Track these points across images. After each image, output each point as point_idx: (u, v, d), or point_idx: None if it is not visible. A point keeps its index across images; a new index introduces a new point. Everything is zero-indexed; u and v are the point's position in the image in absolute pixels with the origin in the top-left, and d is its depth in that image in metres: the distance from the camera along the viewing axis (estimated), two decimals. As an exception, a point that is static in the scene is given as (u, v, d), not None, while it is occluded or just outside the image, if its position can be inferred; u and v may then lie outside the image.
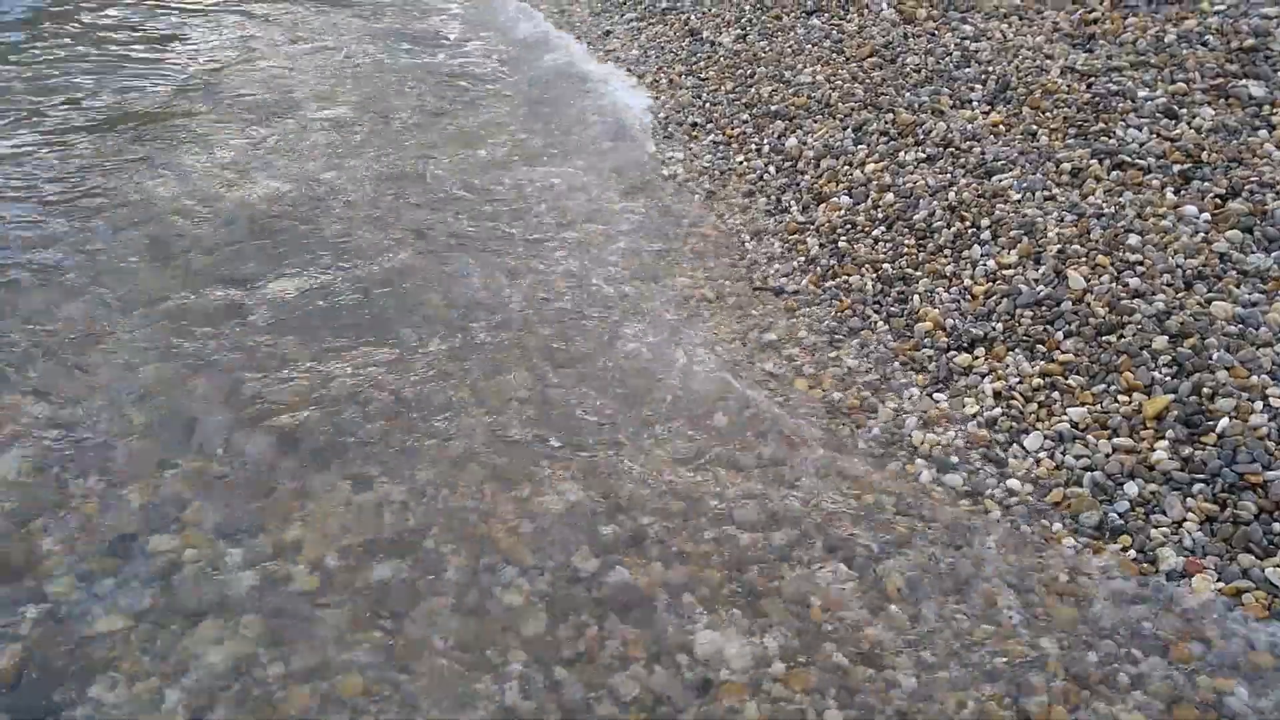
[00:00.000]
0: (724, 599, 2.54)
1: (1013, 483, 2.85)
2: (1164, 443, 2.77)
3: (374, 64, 6.23)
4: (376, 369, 3.34)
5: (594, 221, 4.38)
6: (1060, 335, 3.18)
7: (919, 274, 3.66)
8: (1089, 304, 3.22)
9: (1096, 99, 4.11)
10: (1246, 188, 3.44)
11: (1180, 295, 3.14)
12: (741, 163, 4.77)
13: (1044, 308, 3.28)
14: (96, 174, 4.47)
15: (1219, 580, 2.45)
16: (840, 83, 5.00)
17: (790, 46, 5.58)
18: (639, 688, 2.32)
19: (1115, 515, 2.67)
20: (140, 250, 3.92)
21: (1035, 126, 4.11)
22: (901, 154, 4.27)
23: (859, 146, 4.45)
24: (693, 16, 6.55)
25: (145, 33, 6.49)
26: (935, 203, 3.88)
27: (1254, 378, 2.83)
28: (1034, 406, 3.04)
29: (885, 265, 3.77)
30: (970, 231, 3.70)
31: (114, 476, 2.88)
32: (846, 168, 4.36)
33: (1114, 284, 3.25)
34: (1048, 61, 4.49)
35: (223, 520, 2.77)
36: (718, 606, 2.51)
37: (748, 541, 2.71)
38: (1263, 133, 3.68)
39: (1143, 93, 4.07)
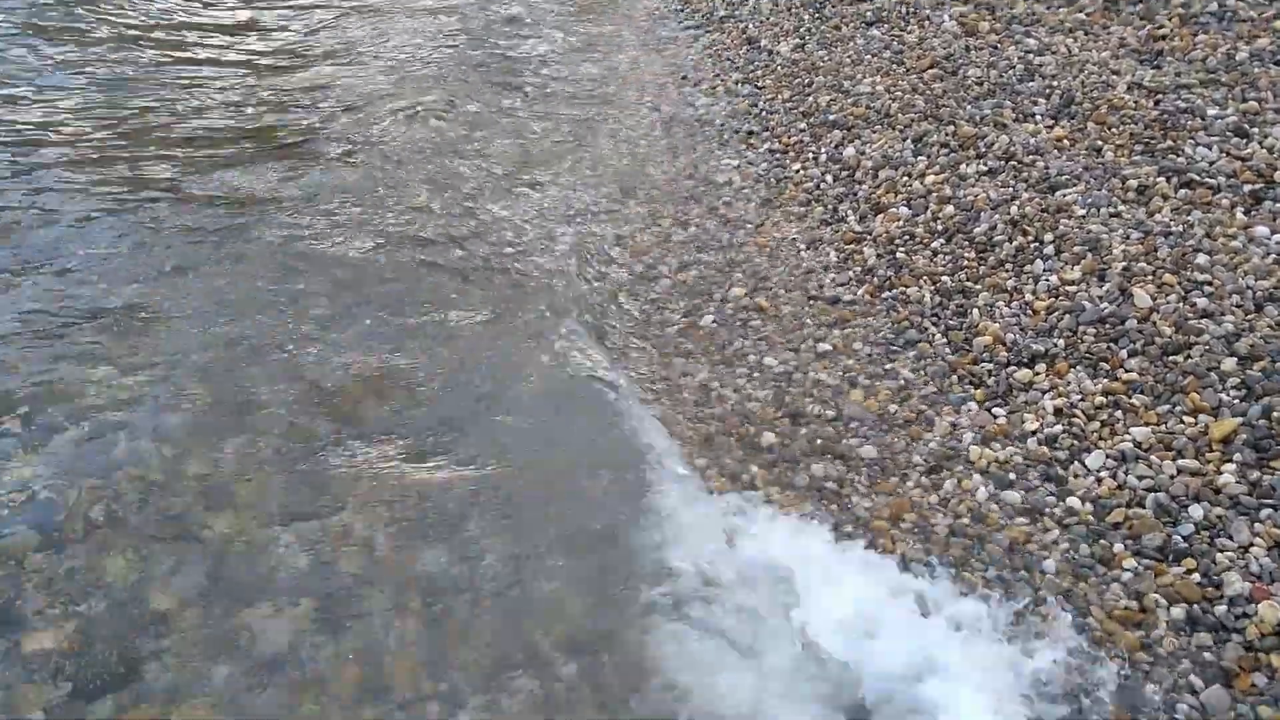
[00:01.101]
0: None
1: (1073, 501, 2.81)
2: (1231, 466, 2.71)
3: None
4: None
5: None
6: (1124, 354, 3.13)
7: (979, 287, 3.62)
8: (1155, 323, 3.16)
9: (1164, 116, 4.04)
10: (1321, 210, 3.37)
11: (1250, 317, 3.08)
12: (798, 171, 4.76)
13: (1108, 325, 3.23)
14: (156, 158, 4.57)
15: (1287, 608, 2.39)
16: (900, 94, 4.97)
17: (849, 57, 5.56)
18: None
19: (1179, 538, 2.62)
20: (202, 236, 4.00)
21: (1101, 142, 4.05)
22: (962, 166, 4.23)
23: (919, 158, 4.42)
24: (751, 25, 6.55)
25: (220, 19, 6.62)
26: (997, 216, 3.84)
27: (1327, 403, 2.77)
28: (1096, 425, 2.99)
29: (944, 278, 3.73)
30: (1032, 246, 3.66)
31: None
32: (905, 179, 4.33)
33: (1181, 304, 3.19)
34: (1114, 77, 4.43)
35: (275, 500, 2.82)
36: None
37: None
38: (1338, 154, 3.60)
39: (1212, 111, 4.00)
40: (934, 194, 4.15)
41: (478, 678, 2.38)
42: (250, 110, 5.25)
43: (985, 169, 4.16)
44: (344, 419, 3.13)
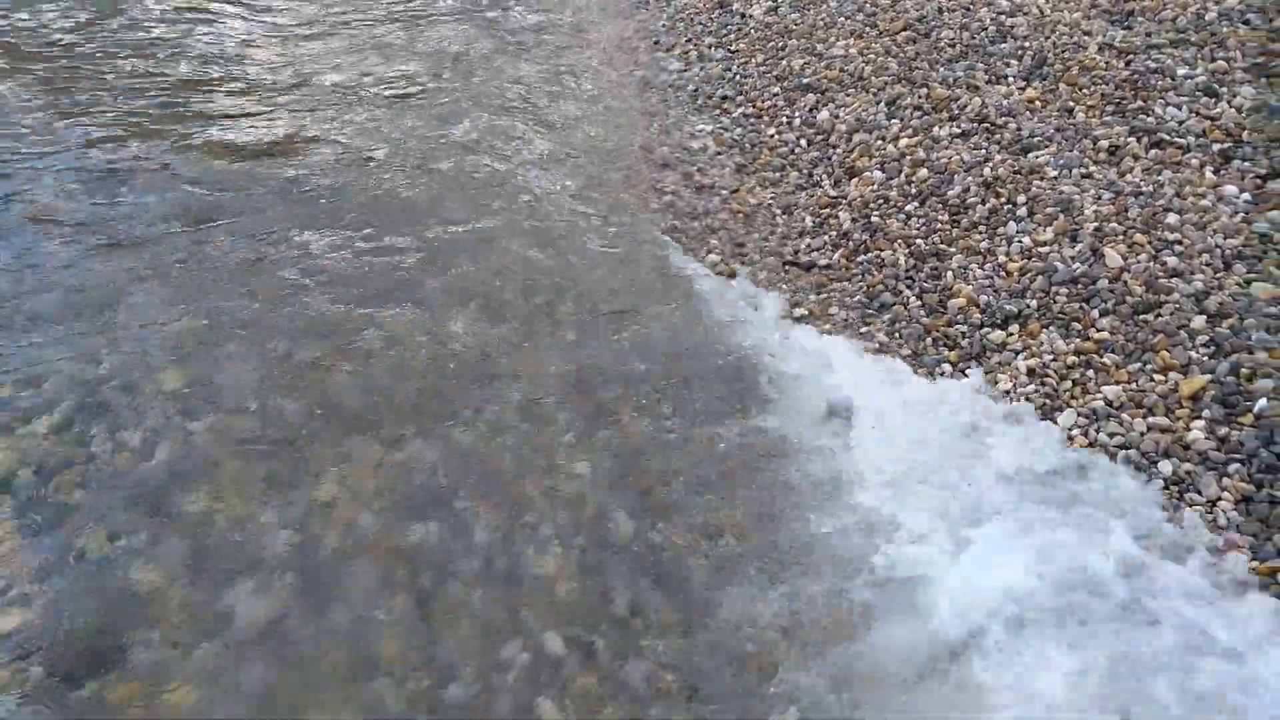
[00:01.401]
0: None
1: (1046, 460, 2.85)
2: (1200, 422, 2.76)
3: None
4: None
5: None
6: (1096, 313, 3.17)
7: (952, 250, 3.65)
8: (1126, 282, 3.20)
9: (1135, 76, 4.06)
10: (1288, 168, 3.41)
11: (1219, 275, 3.12)
12: (773, 136, 4.75)
13: (1080, 285, 3.27)
14: (135, 135, 4.48)
15: (1254, 559, 2.45)
16: (873, 56, 4.95)
17: (823, 19, 5.52)
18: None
19: (1149, 494, 2.67)
20: (180, 208, 3.93)
21: (1072, 103, 4.07)
22: (935, 129, 4.23)
23: (892, 121, 4.42)
24: (723, -12, 6.48)
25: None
26: (970, 178, 3.86)
27: (1293, 359, 2.82)
28: (1068, 384, 3.04)
29: (918, 241, 3.75)
30: (1005, 208, 3.68)
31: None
32: (879, 142, 4.33)
33: (1151, 263, 3.23)
34: (1085, 38, 4.43)
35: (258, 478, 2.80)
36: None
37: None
38: (1305, 112, 3.64)
39: (1182, 70, 4.02)
40: (908, 157, 4.15)
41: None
42: (216, 85, 5.15)
43: (958, 131, 4.17)
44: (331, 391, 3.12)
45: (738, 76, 5.36)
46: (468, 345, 3.34)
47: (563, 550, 2.69)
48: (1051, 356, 3.13)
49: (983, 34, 4.76)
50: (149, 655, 2.35)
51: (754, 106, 5.03)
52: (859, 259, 3.81)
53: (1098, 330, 3.13)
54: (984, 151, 3.97)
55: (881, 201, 4.01)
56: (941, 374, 3.23)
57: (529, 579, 2.60)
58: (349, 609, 2.54)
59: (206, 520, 2.69)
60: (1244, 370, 2.81)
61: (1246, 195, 3.37)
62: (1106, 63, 4.21)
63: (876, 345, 3.38)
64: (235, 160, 4.31)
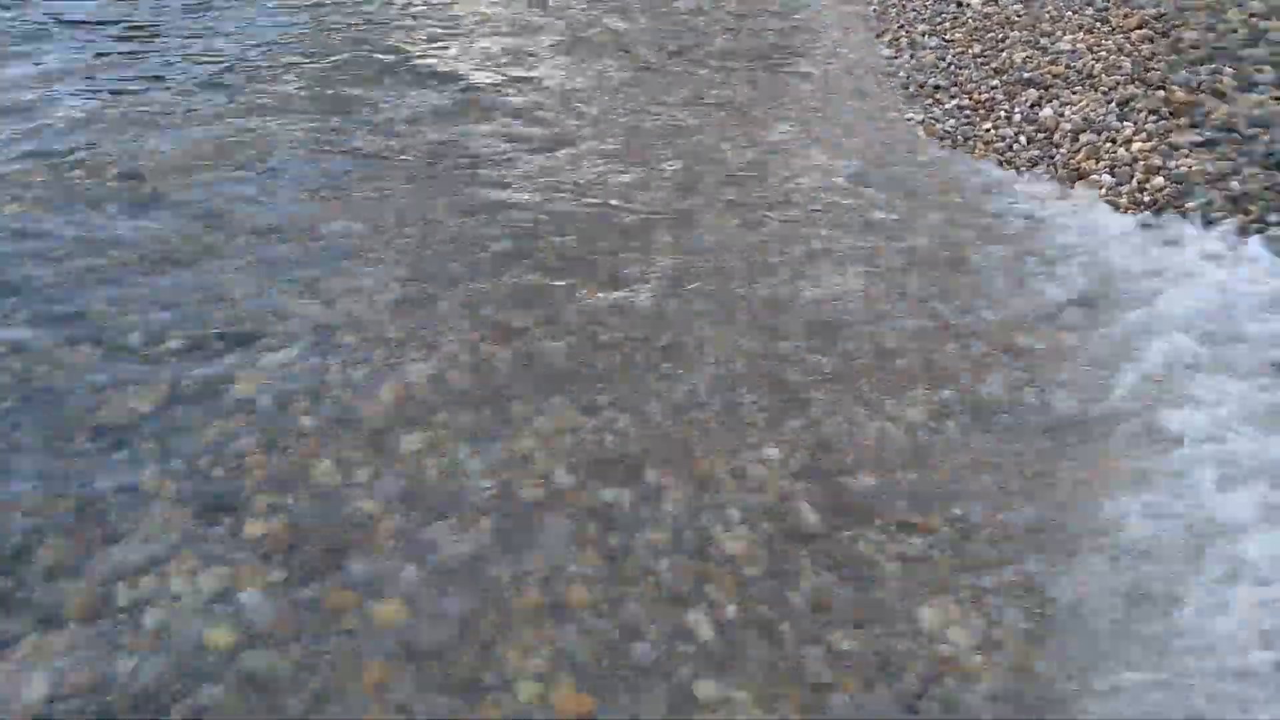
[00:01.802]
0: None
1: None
2: None
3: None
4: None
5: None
6: (1359, 354, 2.91)
7: (1191, 265, 3.42)
8: (1397, 319, 2.92)
9: None
10: None
11: None
12: (989, 130, 4.56)
13: (1339, 316, 3.01)
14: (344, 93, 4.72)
15: None
16: (1104, 53, 4.69)
17: (1049, 12, 5.27)
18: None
19: None
20: (400, 173, 4.14)
21: (1338, 118, 3.74)
22: (1174, 135, 3.97)
23: (1124, 123, 4.17)
24: (939, -26, 6.26)
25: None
26: (1214, 192, 3.60)
27: None
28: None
29: (1152, 252, 3.54)
30: (1253, 226, 3.42)
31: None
32: (1109, 145, 4.09)
33: None
34: (1355, 47, 4.07)
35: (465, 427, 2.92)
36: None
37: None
38: None
39: None
40: (1141, 163, 3.91)
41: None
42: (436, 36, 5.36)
43: (1200, 140, 3.90)
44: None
45: (952, 66, 5.18)
46: (665, 316, 3.39)
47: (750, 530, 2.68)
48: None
49: (1231, 36, 4.44)
50: (364, 571, 2.49)
51: (969, 98, 4.85)
52: (1083, 266, 3.63)
53: (1361, 367, 2.88)
54: (1231, 164, 3.70)
55: (1110, 208, 3.79)
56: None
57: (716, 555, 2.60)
58: (542, 556, 2.60)
59: (418, 459, 2.83)
60: None
61: None
62: (1381, 76, 3.85)
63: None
64: (458, 126, 4.50)
